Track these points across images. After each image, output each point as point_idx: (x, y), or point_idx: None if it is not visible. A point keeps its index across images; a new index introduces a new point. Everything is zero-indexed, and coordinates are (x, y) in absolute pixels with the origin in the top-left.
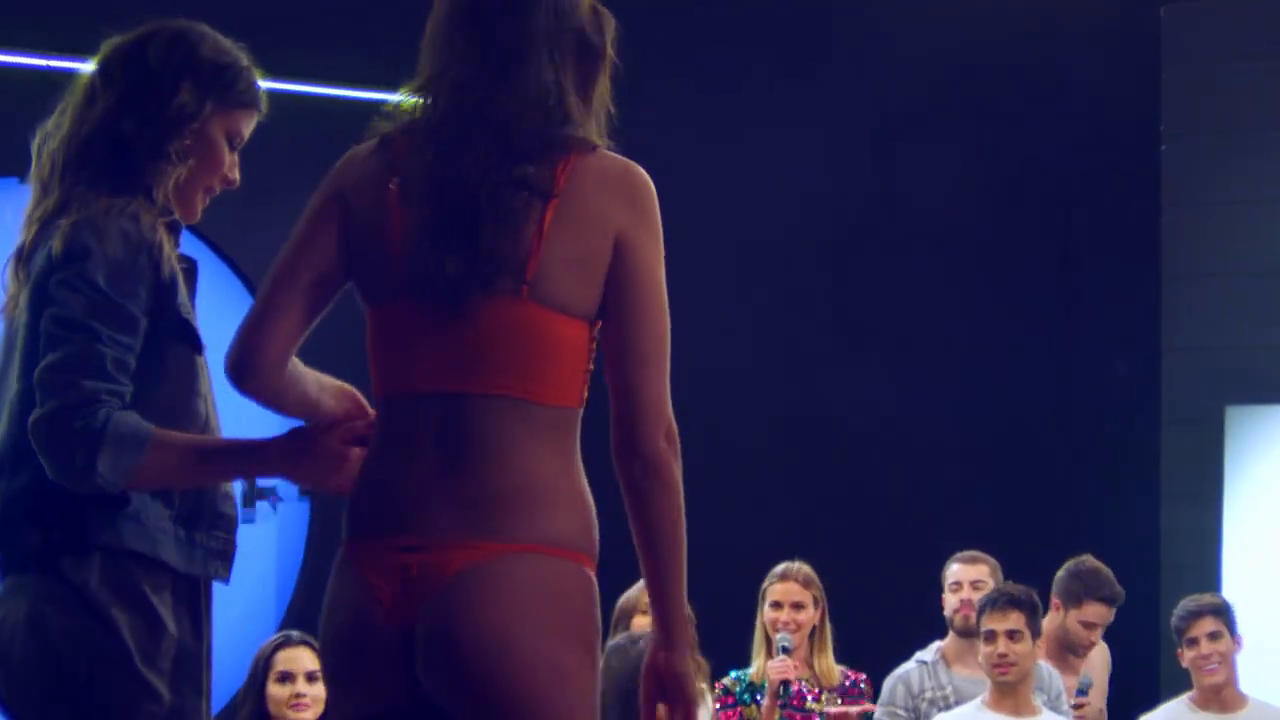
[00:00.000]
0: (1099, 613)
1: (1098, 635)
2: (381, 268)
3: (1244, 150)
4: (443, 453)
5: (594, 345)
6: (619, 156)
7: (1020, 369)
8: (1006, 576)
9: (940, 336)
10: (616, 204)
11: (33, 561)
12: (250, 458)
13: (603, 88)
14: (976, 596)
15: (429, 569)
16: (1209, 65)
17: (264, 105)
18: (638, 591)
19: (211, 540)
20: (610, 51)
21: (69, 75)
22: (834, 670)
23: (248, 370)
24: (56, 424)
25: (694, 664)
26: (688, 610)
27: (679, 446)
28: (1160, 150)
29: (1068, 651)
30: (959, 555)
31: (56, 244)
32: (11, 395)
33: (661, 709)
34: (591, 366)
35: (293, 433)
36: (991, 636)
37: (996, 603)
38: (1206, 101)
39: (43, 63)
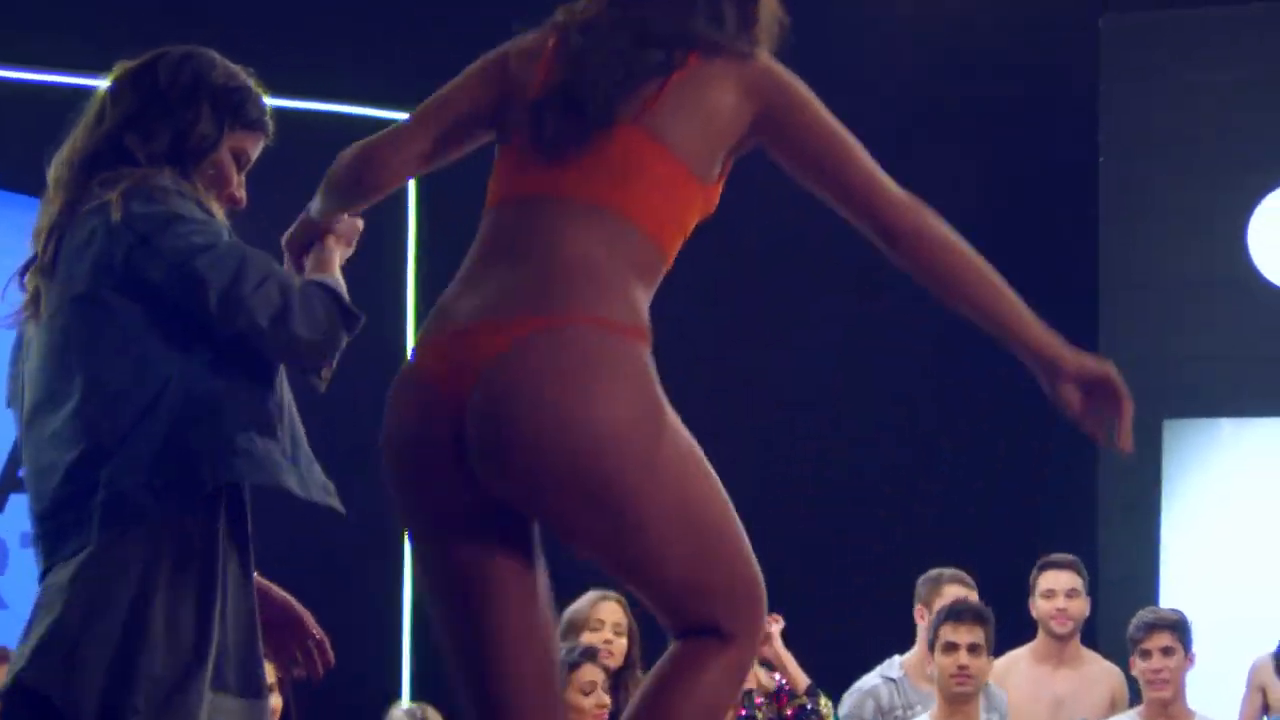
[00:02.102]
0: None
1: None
2: (517, 109)
3: (1181, 164)
4: (516, 248)
5: (697, 210)
6: (766, 61)
7: (956, 382)
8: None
9: (879, 349)
10: (758, 91)
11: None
12: (327, 254)
13: (769, 5)
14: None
15: (476, 346)
16: (1147, 78)
17: (271, 129)
18: (587, 604)
19: (314, 473)
20: None
21: (82, 93)
22: (762, 674)
23: (375, 162)
24: (289, 323)
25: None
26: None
27: (921, 205)
28: (1098, 163)
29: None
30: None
31: (116, 213)
32: (78, 389)
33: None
34: (689, 232)
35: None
36: (952, 648)
37: (960, 615)
38: (1144, 115)
39: (58, 80)
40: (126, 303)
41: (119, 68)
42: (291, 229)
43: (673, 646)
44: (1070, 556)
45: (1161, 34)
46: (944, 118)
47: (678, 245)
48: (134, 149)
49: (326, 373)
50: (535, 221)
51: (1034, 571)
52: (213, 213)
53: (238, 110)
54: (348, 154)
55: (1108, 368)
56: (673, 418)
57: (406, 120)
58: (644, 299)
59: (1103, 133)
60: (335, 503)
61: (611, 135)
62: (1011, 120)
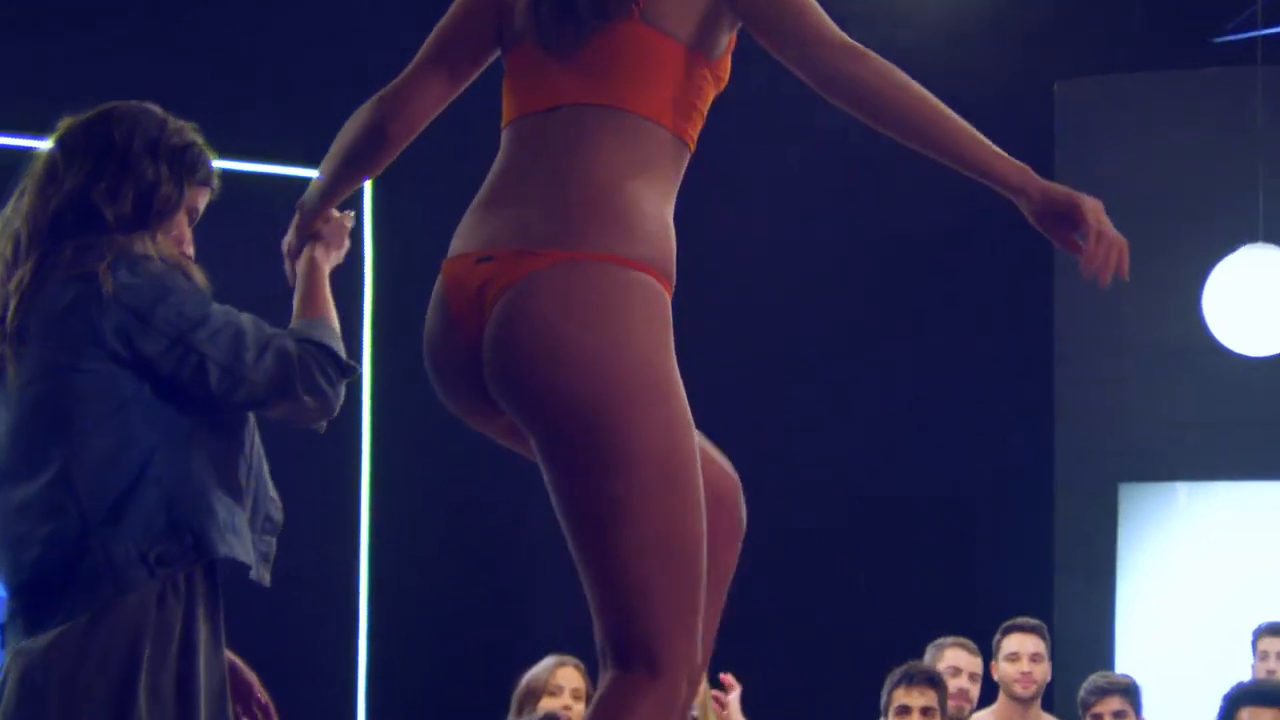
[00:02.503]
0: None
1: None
2: (515, 15)
3: (1137, 228)
4: (531, 164)
5: (710, 86)
6: None
7: (914, 446)
8: (894, 651)
9: (833, 413)
10: None
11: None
12: (317, 275)
13: None
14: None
15: (496, 277)
16: (1102, 143)
17: (217, 184)
18: (545, 670)
19: (261, 543)
20: None
21: (19, 154)
22: None
23: (389, 115)
24: (291, 391)
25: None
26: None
27: (870, 58)
28: None
29: None
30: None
31: (107, 285)
32: (57, 459)
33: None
34: (705, 109)
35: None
36: (904, 712)
37: (913, 679)
38: (1099, 179)
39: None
40: (114, 373)
41: (66, 123)
42: (289, 236)
43: (602, 685)
44: (1035, 621)
45: (1116, 98)
46: (898, 178)
47: (698, 127)
48: (101, 209)
49: (268, 574)
50: (552, 137)
51: (998, 635)
52: (192, 274)
53: (193, 168)
54: (358, 116)
55: (1075, 197)
56: (677, 376)
57: (412, 63)
58: (664, 211)
59: None
60: (267, 578)
61: (609, 31)
62: (966, 182)
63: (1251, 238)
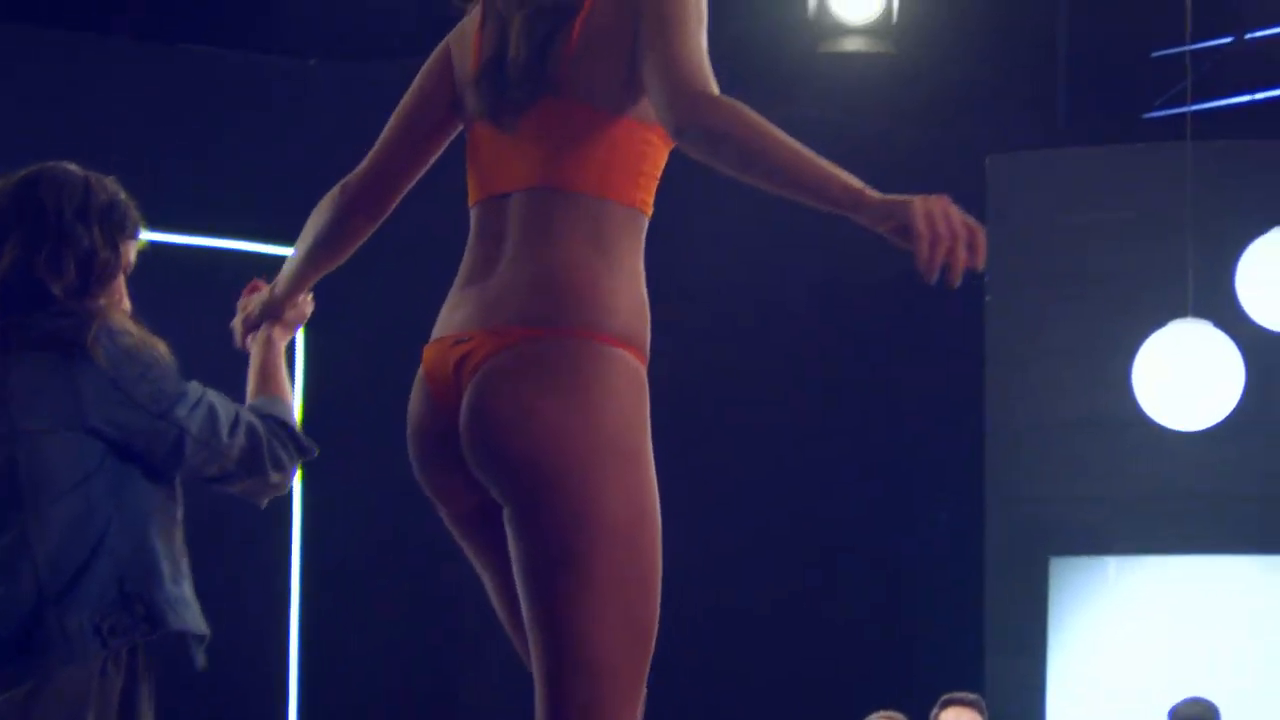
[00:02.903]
0: None
1: None
2: (467, 96)
3: (1067, 303)
4: (494, 250)
5: (655, 149)
6: None
7: (844, 519)
8: None
9: (762, 489)
10: None
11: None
12: (273, 353)
13: None
14: None
15: (470, 358)
16: (1032, 217)
17: (143, 229)
18: None
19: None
20: None
21: None
22: None
23: (356, 197)
24: (260, 470)
25: None
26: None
27: (718, 104)
28: (985, 301)
29: None
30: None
31: (99, 357)
32: (16, 523)
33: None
34: (656, 172)
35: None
36: None
37: None
38: (1029, 253)
39: None
40: (84, 443)
41: None
42: (252, 307)
43: None
44: (973, 695)
45: (1046, 173)
46: (833, 255)
47: (652, 191)
48: (47, 282)
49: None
50: (513, 223)
51: (935, 708)
52: (160, 347)
53: (122, 226)
54: (325, 204)
55: (907, 207)
56: (649, 452)
57: (375, 147)
58: (635, 285)
59: (989, 271)
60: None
61: (544, 108)
62: (897, 261)
63: (1181, 313)
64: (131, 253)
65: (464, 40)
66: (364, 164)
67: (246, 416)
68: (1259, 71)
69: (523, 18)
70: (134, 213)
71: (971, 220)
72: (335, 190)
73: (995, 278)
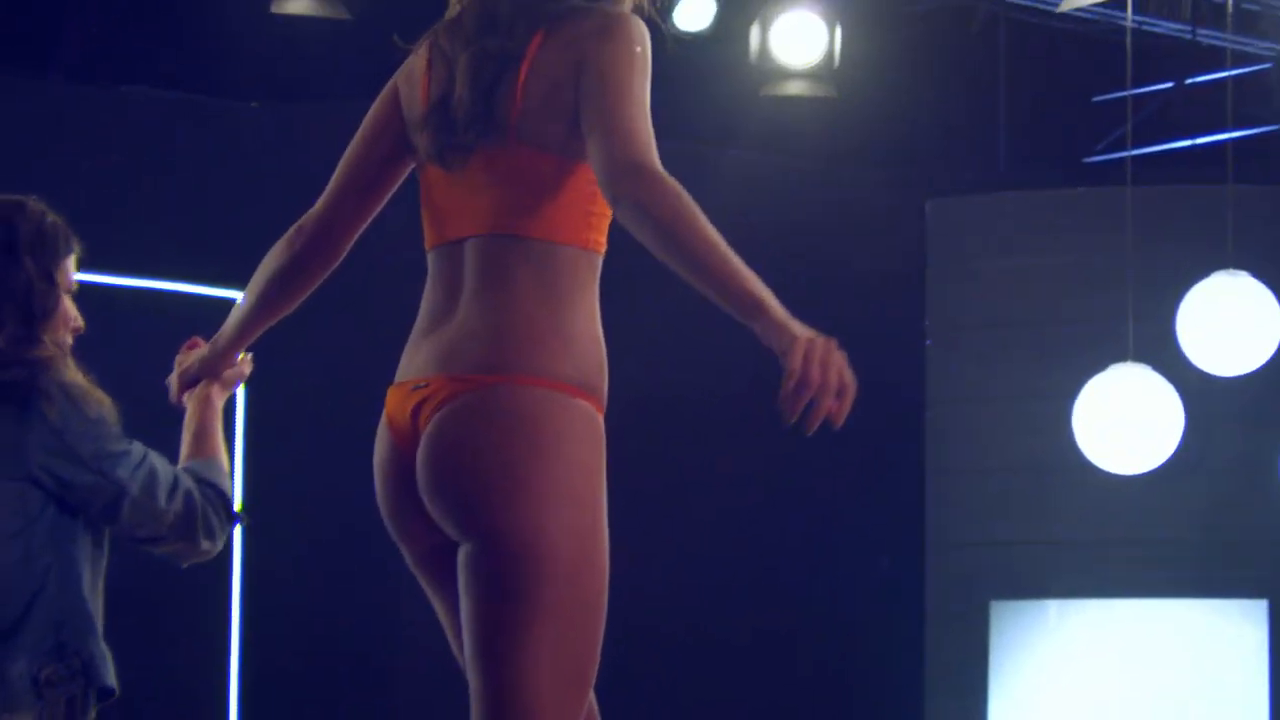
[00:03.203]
0: None
1: None
2: (416, 138)
3: (1007, 347)
4: (452, 296)
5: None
6: (617, 9)
7: (785, 563)
8: None
9: (702, 530)
10: (588, 37)
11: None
12: (210, 413)
13: None
14: None
15: (427, 403)
16: (973, 261)
17: (75, 242)
18: None
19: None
20: None
21: None
22: None
23: (306, 243)
24: (192, 536)
25: None
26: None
27: (654, 182)
28: (925, 346)
29: None
30: None
31: (49, 411)
32: None
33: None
34: (608, 210)
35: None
36: None
37: None
38: (969, 297)
39: None
40: (26, 491)
41: None
42: (190, 364)
43: None
44: None
45: (987, 218)
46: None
47: (605, 227)
48: None
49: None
50: (467, 268)
51: None
52: (105, 403)
53: (55, 251)
54: (277, 250)
55: (790, 341)
56: (603, 499)
57: (326, 191)
58: (591, 326)
59: (929, 316)
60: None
61: (492, 153)
62: (839, 303)
63: (1122, 357)
64: (70, 272)
65: (412, 80)
66: (317, 206)
67: (185, 483)
68: (1198, 117)
69: (467, 63)
70: (63, 230)
71: (848, 374)
72: (289, 233)
73: (935, 322)
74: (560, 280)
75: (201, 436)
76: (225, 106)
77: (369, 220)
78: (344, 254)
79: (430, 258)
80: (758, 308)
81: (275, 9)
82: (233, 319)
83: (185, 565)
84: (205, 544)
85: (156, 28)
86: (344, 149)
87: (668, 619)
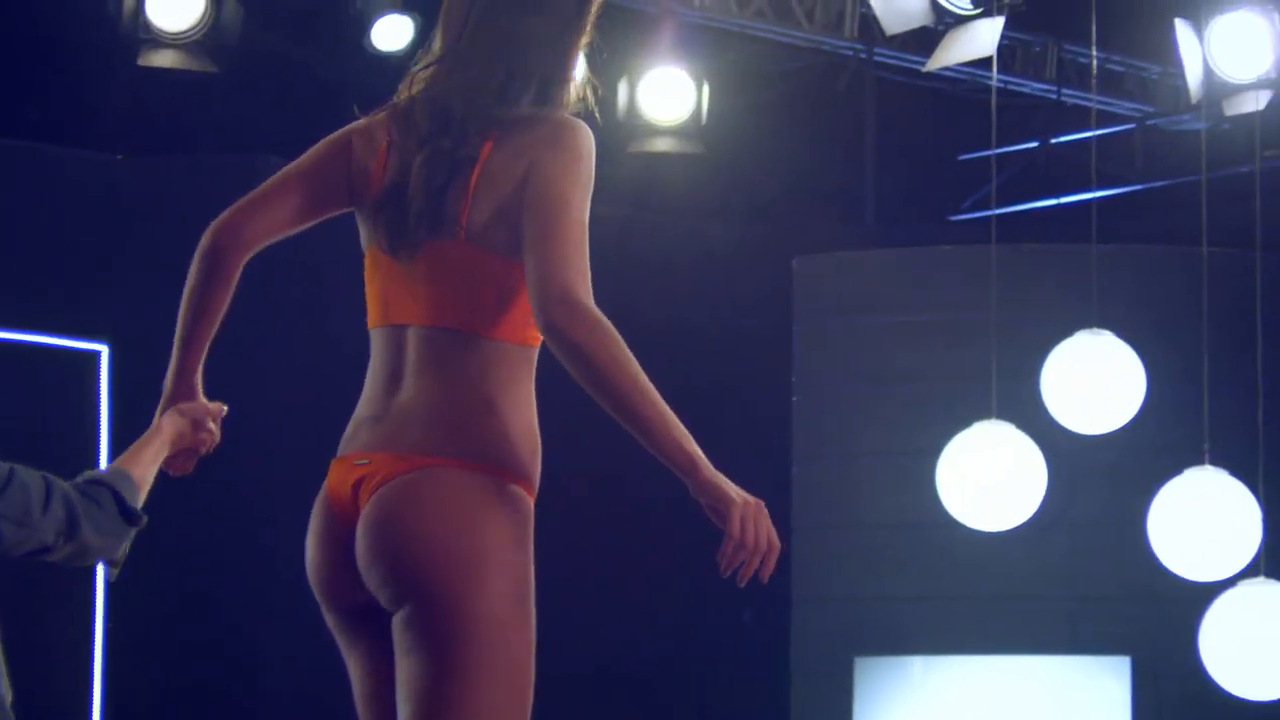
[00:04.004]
0: None
1: None
2: (365, 215)
3: (870, 403)
4: (395, 379)
5: None
6: (565, 118)
7: (649, 616)
8: None
9: (565, 583)
10: (536, 146)
11: None
12: (150, 435)
13: (574, 59)
14: None
15: (368, 480)
16: (839, 317)
17: None
18: None
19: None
20: (583, 28)
21: None
22: None
23: (226, 231)
24: (77, 534)
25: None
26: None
27: (589, 321)
28: (791, 402)
29: None
30: None
31: None
32: None
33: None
34: None
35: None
36: None
37: None
38: (837, 353)
39: None
40: None
41: None
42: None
43: None
44: None
45: (853, 274)
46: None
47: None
48: None
49: (120, 558)
50: (410, 354)
51: None
52: None
53: None
54: (197, 257)
55: (728, 504)
56: (529, 572)
57: (261, 188)
58: (526, 416)
59: (796, 372)
60: None
61: (440, 249)
62: (707, 359)
63: (985, 414)
64: None
65: (370, 149)
66: (242, 207)
67: (60, 487)
68: (1063, 176)
69: (421, 162)
70: None
71: (774, 536)
72: (208, 233)
73: (802, 378)
74: (500, 373)
75: (130, 452)
76: (91, 158)
77: (287, 230)
78: (256, 248)
79: (374, 336)
80: (692, 465)
81: (142, 62)
82: (173, 354)
83: (91, 564)
84: (95, 540)
85: (22, 78)
86: (210, 201)
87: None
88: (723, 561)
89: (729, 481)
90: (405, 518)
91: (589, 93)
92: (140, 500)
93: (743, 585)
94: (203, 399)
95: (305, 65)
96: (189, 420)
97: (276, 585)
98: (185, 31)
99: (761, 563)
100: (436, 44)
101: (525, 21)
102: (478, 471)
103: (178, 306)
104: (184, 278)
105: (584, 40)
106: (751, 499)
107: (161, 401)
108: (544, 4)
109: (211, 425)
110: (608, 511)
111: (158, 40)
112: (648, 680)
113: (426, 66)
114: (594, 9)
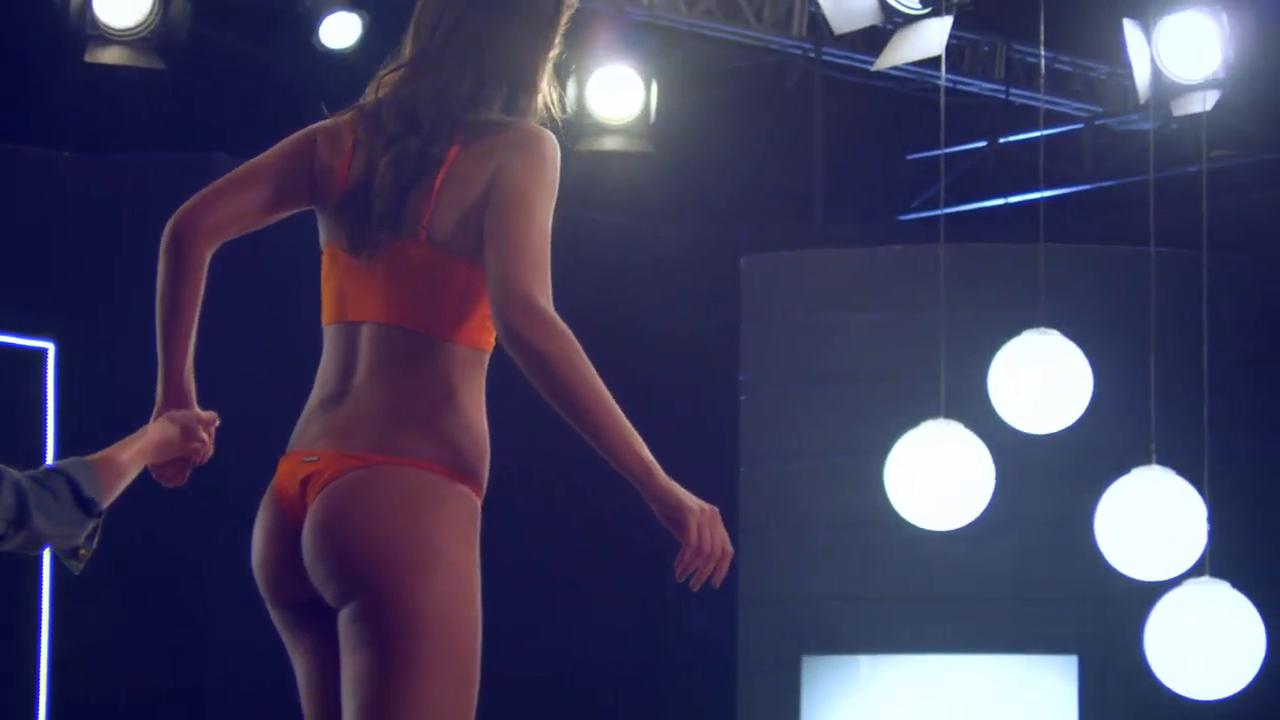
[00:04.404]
0: None
1: None
2: (327, 213)
3: (819, 402)
4: (347, 375)
5: None
6: (533, 126)
7: (598, 617)
8: None
9: (516, 583)
10: (503, 150)
11: None
12: (133, 438)
13: (543, 68)
14: None
15: (316, 477)
16: (787, 317)
17: None
18: None
19: None
20: (554, 38)
21: None
22: None
23: (188, 221)
24: (28, 521)
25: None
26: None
27: (549, 327)
28: (739, 401)
29: None
30: None
31: None
32: None
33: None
34: None
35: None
36: None
37: None
38: (784, 353)
39: None
40: None
41: None
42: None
43: None
44: None
45: (801, 274)
46: (585, 351)
47: (495, 331)
48: None
49: (85, 552)
50: (364, 351)
51: None
52: None
53: None
54: (162, 239)
55: (684, 512)
56: (475, 570)
57: (225, 178)
58: (476, 419)
59: (744, 372)
60: None
61: (401, 250)
62: (654, 359)
63: (934, 413)
64: None
65: (336, 148)
66: (203, 197)
67: (10, 476)
68: (1011, 176)
69: (387, 163)
70: None
71: (729, 543)
72: (168, 225)
73: (750, 377)
74: (452, 374)
75: (108, 451)
76: (37, 155)
77: (249, 222)
78: (220, 238)
79: (328, 332)
80: (648, 473)
81: (89, 58)
82: (159, 358)
83: (41, 552)
84: (48, 529)
85: None
86: (158, 199)
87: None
88: (679, 568)
89: (683, 489)
90: (352, 515)
91: (555, 102)
92: (106, 496)
93: (695, 589)
94: (195, 407)
95: (253, 63)
96: (178, 428)
97: (228, 582)
98: (133, 28)
99: (715, 569)
100: (406, 48)
101: (496, 29)
102: (426, 471)
103: (124, 303)
104: (131, 274)
105: (554, 51)
106: (707, 506)
107: (155, 409)
108: (515, 13)
109: (204, 434)
110: (556, 515)
111: (105, 37)
112: (595, 682)
113: (395, 69)
114: (564, 20)
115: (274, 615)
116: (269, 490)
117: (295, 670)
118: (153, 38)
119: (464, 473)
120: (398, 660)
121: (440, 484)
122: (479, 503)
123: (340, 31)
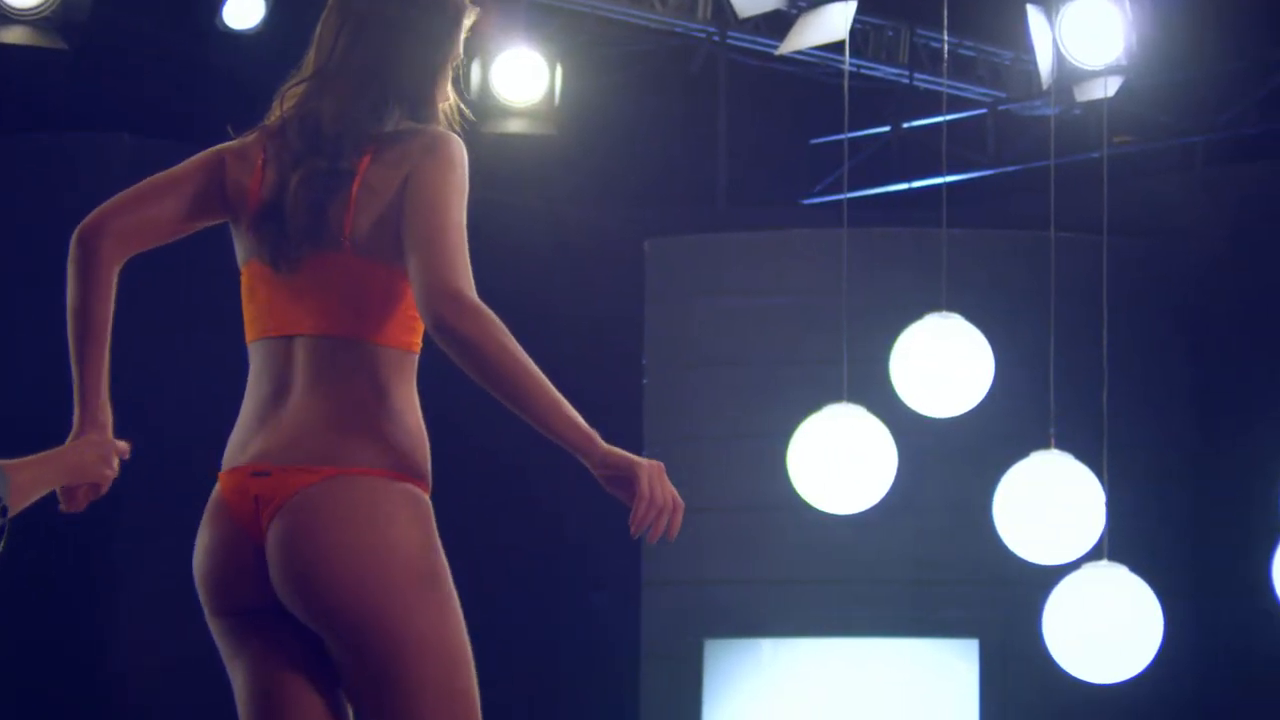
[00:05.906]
0: None
1: None
2: (243, 230)
3: (721, 386)
4: (282, 389)
5: None
6: (440, 131)
7: (499, 598)
8: None
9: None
10: (413, 155)
11: None
12: (52, 453)
13: (444, 79)
14: None
15: (272, 492)
16: (691, 300)
17: None
18: None
19: None
20: (454, 49)
21: None
22: None
23: (95, 229)
24: None
25: None
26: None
27: (476, 315)
28: (642, 384)
29: None
30: None
31: None
32: None
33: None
34: None
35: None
36: None
37: None
38: (689, 335)
39: None
40: None
41: None
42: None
43: None
44: None
45: (705, 257)
46: None
47: (421, 332)
48: None
49: None
50: (296, 364)
51: None
52: None
53: None
54: (69, 251)
55: (633, 465)
56: (446, 568)
57: (134, 187)
58: (412, 418)
59: (647, 355)
60: None
61: (324, 260)
62: (557, 341)
63: (836, 397)
64: None
65: (244, 164)
66: (107, 204)
67: None
68: (914, 160)
69: (298, 181)
70: None
71: (678, 495)
72: (71, 242)
73: (653, 360)
74: (387, 378)
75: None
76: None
77: (158, 234)
78: (129, 249)
79: (253, 349)
80: (589, 440)
81: None
82: (74, 377)
83: None
84: None
85: None
86: (58, 182)
87: None
88: (633, 524)
89: (623, 451)
90: (319, 533)
91: (454, 111)
92: (14, 502)
93: (653, 543)
94: (110, 434)
95: (156, 43)
96: (96, 454)
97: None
98: (35, 7)
99: (670, 522)
100: (308, 63)
101: (395, 42)
102: (381, 477)
103: (26, 288)
104: (34, 257)
105: (454, 60)
106: (653, 461)
107: (72, 432)
108: (414, 25)
109: (115, 463)
110: (457, 497)
111: (7, 16)
112: (496, 663)
113: (298, 84)
114: (463, 31)
115: (215, 624)
116: (214, 506)
117: (233, 682)
118: (55, 17)
119: (412, 473)
120: (398, 689)
121: (397, 491)
122: (428, 497)
123: (243, 12)
